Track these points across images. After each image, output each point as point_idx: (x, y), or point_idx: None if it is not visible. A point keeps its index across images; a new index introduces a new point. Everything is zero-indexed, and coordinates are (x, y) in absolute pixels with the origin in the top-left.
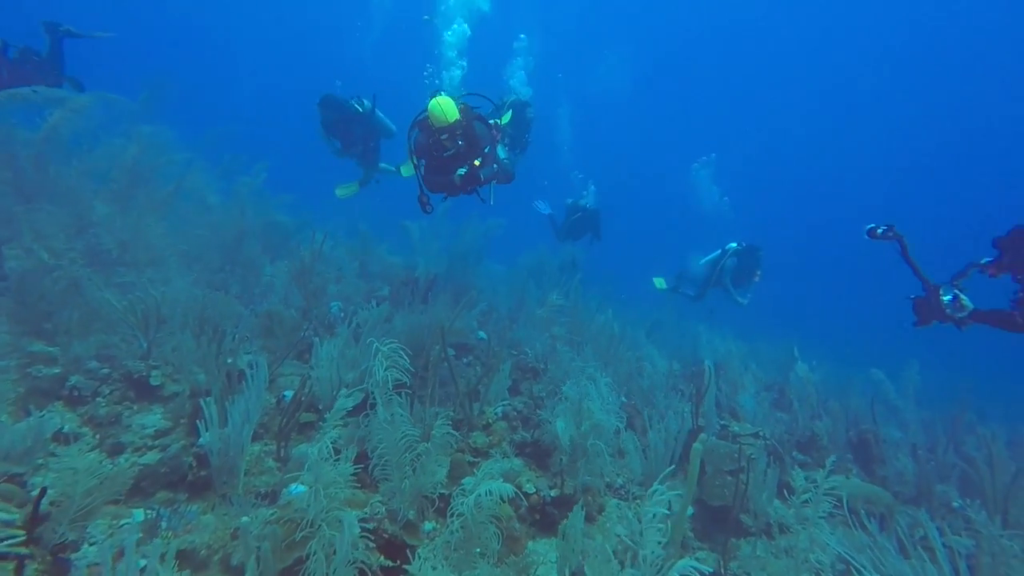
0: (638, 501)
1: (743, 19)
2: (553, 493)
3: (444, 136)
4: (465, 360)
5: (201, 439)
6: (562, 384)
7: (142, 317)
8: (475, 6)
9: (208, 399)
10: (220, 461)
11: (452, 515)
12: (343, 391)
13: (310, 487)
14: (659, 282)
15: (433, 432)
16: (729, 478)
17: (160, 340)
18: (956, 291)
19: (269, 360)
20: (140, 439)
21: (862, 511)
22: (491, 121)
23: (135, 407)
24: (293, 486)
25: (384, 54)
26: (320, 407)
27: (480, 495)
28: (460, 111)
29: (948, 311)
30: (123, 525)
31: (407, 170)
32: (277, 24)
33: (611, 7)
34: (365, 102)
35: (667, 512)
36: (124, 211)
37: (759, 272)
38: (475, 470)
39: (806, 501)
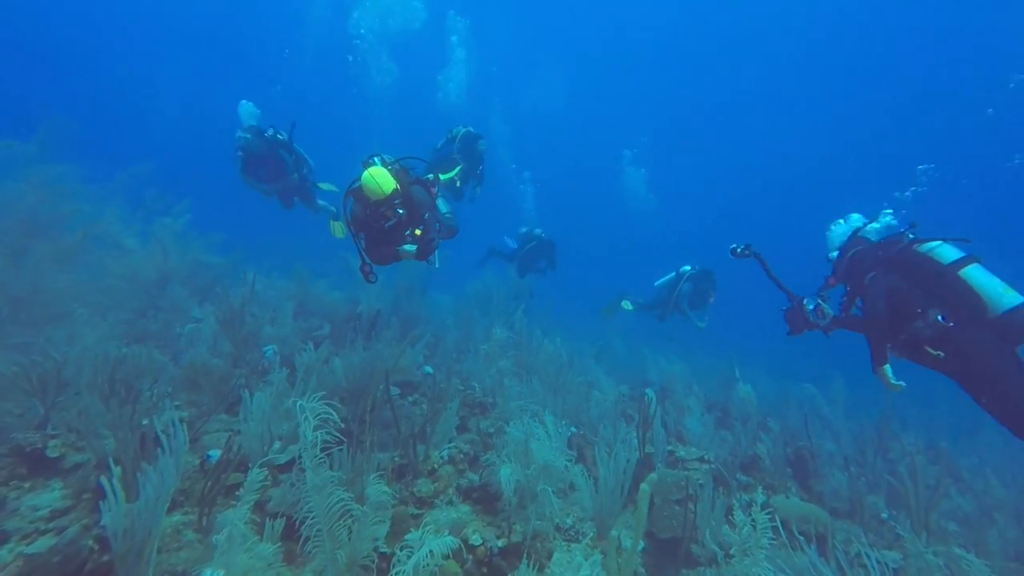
0: (588, 541)
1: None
2: (501, 543)
3: (383, 208)
4: (410, 399)
5: (104, 518)
6: (508, 422)
7: (38, 381)
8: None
9: (109, 471)
10: (126, 543)
11: None
12: (275, 445)
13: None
14: (626, 304)
15: (367, 493)
16: (677, 508)
17: (62, 404)
18: (819, 301)
19: (193, 416)
20: (30, 523)
21: (800, 531)
22: (428, 177)
23: (26, 485)
24: (207, 571)
25: (310, 77)
26: (250, 465)
27: (420, 559)
28: (396, 177)
29: (812, 319)
30: None
31: (339, 230)
32: (195, 46)
33: (545, 20)
34: (280, 133)
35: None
36: (17, 264)
37: (714, 294)
38: (420, 522)
39: (750, 527)
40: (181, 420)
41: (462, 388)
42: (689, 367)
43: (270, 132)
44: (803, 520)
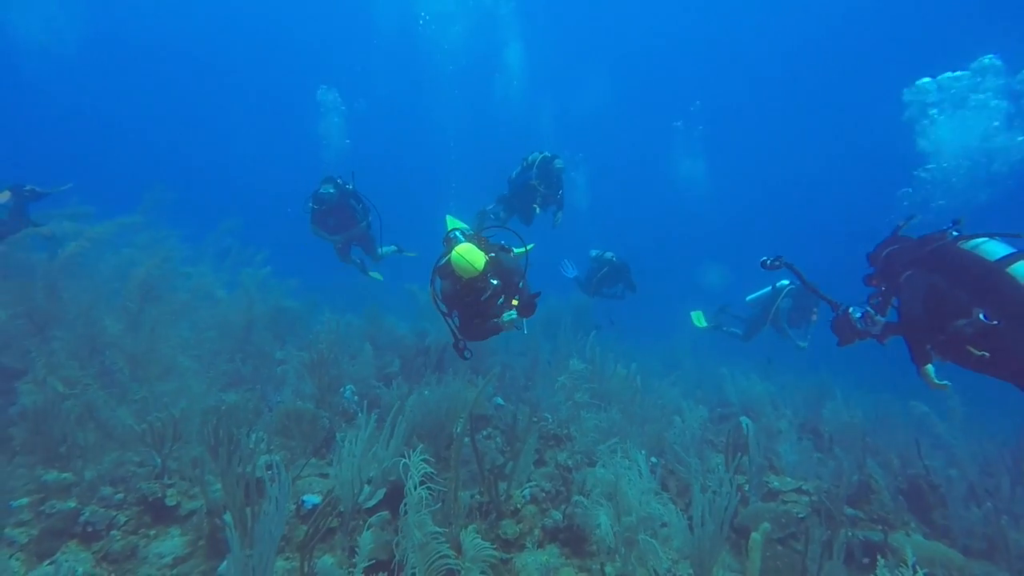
0: None
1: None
2: None
3: (477, 283)
4: (484, 433)
5: (220, 568)
6: (592, 456)
7: (157, 434)
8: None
9: (222, 518)
10: None
11: None
12: (366, 490)
13: None
14: (697, 318)
15: (464, 543)
16: (780, 547)
17: (175, 453)
18: (867, 308)
19: (286, 461)
20: (158, 571)
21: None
22: (513, 250)
23: (152, 533)
24: None
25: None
26: (341, 509)
27: None
28: (484, 251)
29: (861, 327)
30: None
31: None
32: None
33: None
34: (348, 183)
35: None
36: (135, 327)
37: (816, 311)
38: (510, 567)
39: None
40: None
41: (535, 419)
42: (774, 386)
43: (340, 181)
44: (929, 562)
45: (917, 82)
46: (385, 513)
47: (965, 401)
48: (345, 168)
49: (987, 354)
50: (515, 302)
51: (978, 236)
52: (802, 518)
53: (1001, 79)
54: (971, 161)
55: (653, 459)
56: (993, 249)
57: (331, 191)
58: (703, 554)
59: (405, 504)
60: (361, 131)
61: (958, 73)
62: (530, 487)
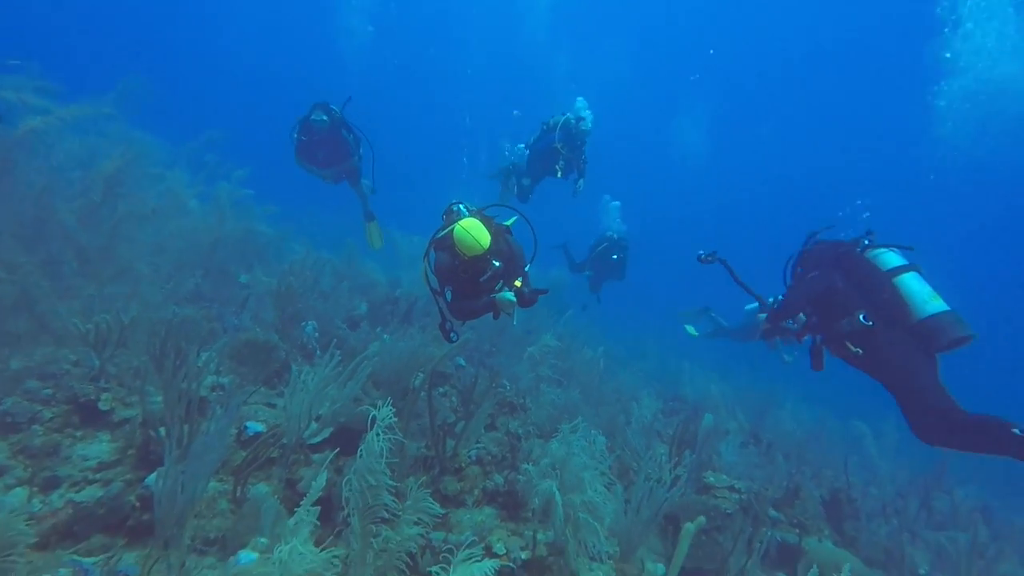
0: (611, 561)
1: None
2: (524, 555)
3: (478, 262)
4: (441, 390)
5: (148, 479)
6: (544, 429)
7: (101, 336)
8: None
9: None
10: (167, 507)
11: None
12: (312, 426)
13: (262, 554)
14: (691, 331)
15: (407, 505)
16: (704, 538)
17: (116, 359)
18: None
19: (235, 386)
20: (80, 472)
21: None
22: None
23: (78, 434)
24: (243, 553)
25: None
26: (285, 442)
27: None
28: (491, 231)
29: (804, 337)
30: None
31: (377, 240)
32: (272, 22)
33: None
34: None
35: None
36: (94, 222)
37: None
38: (445, 521)
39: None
40: (218, 388)
41: (495, 386)
42: (729, 387)
43: (334, 109)
44: (834, 567)
45: None
46: (329, 452)
47: (899, 427)
48: (340, 93)
49: (860, 351)
50: (518, 283)
51: (881, 247)
52: (729, 514)
53: None
54: None
55: (603, 439)
56: (889, 260)
57: (324, 119)
58: (632, 536)
59: (361, 449)
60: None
61: None
62: (477, 448)
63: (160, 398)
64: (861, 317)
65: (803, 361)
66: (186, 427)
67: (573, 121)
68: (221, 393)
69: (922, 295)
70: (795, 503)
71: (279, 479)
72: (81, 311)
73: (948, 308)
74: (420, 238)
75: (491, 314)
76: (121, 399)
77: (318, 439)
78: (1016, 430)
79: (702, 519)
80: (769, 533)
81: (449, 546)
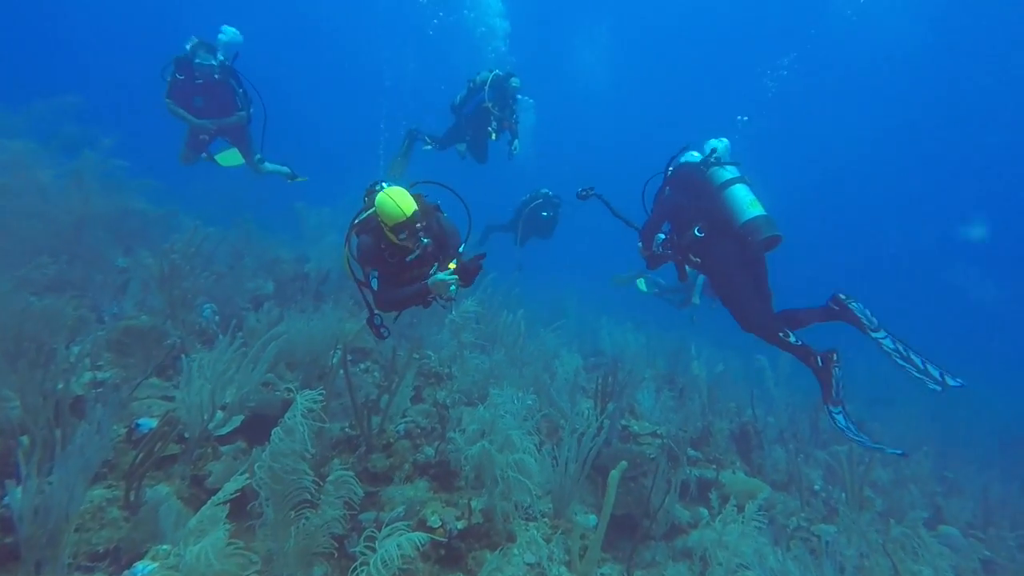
0: (546, 519)
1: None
2: (460, 525)
3: (403, 235)
4: (362, 366)
5: (6, 498)
6: (471, 395)
7: None
8: None
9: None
10: (35, 526)
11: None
12: (218, 416)
13: (163, 563)
14: (641, 284)
15: (328, 481)
16: (632, 484)
17: None
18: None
19: (120, 380)
20: None
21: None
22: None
23: None
24: (140, 564)
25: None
26: (187, 436)
27: (384, 556)
28: (417, 201)
29: (659, 250)
30: None
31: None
32: None
33: None
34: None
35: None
36: None
37: None
38: (375, 500)
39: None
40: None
41: (417, 357)
42: (644, 338)
43: (222, 57)
44: (749, 495)
45: None
46: (241, 442)
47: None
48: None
49: (699, 260)
50: (452, 266)
51: (719, 164)
52: (652, 458)
53: None
54: None
55: (529, 400)
56: (722, 175)
57: (212, 63)
58: (564, 492)
59: (273, 431)
60: None
61: None
62: (405, 423)
63: (19, 403)
64: (696, 230)
65: (706, 308)
66: (58, 432)
67: (503, 76)
68: (102, 390)
69: (744, 202)
70: (710, 441)
71: (182, 477)
72: None
73: (764, 212)
74: (329, 209)
75: (422, 305)
76: None
77: (227, 429)
78: (780, 334)
79: (623, 464)
80: (688, 471)
81: (381, 524)
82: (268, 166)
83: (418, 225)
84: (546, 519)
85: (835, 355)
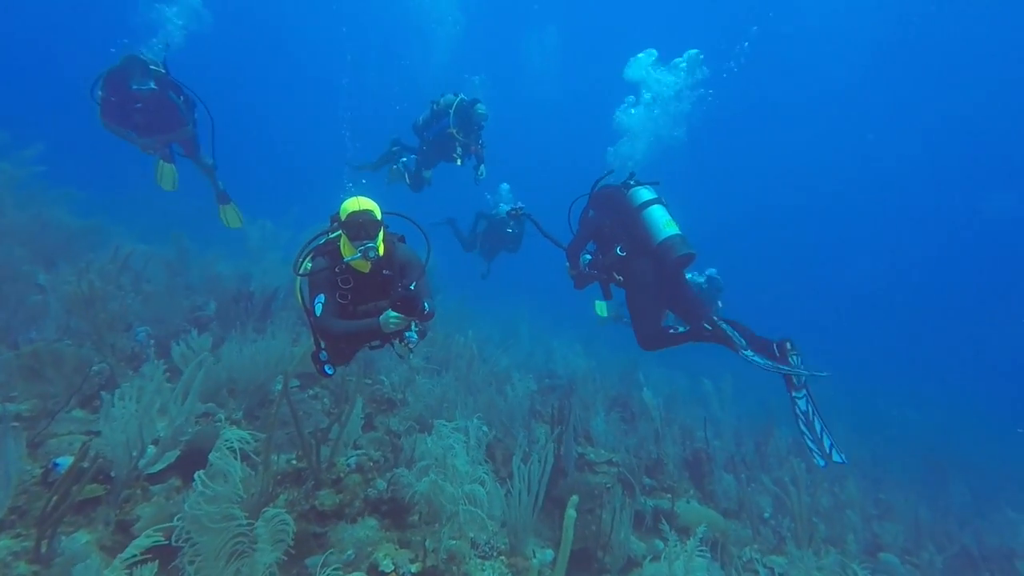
0: (502, 558)
1: None
2: (414, 569)
3: (359, 244)
4: (311, 391)
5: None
6: (424, 422)
7: None
8: None
9: None
10: None
11: None
12: (149, 451)
13: None
14: (600, 308)
15: (257, 527)
16: (588, 516)
17: None
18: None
19: (36, 412)
20: None
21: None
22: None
23: None
24: None
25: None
26: (113, 474)
27: None
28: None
29: (587, 270)
30: None
31: (234, 220)
32: None
33: None
34: (156, 67)
35: None
36: None
37: (721, 296)
38: (322, 542)
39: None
40: (15, 417)
41: (369, 382)
42: (594, 362)
43: (155, 67)
44: (707, 524)
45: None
46: (175, 480)
47: (735, 381)
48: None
49: (621, 278)
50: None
51: (639, 184)
52: (609, 487)
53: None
54: None
55: (484, 428)
56: (641, 196)
57: (151, 87)
58: (518, 524)
59: (196, 475)
60: None
61: None
62: (356, 455)
63: None
64: (618, 249)
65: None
66: None
67: (468, 103)
68: (16, 424)
69: (660, 223)
70: (663, 468)
71: (105, 523)
72: None
73: (679, 232)
74: (272, 223)
75: (375, 343)
76: None
77: (159, 466)
78: (671, 331)
79: (575, 498)
80: (644, 501)
81: (328, 569)
82: (220, 184)
83: (374, 242)
84: (502, 557)
85: (716, 318)
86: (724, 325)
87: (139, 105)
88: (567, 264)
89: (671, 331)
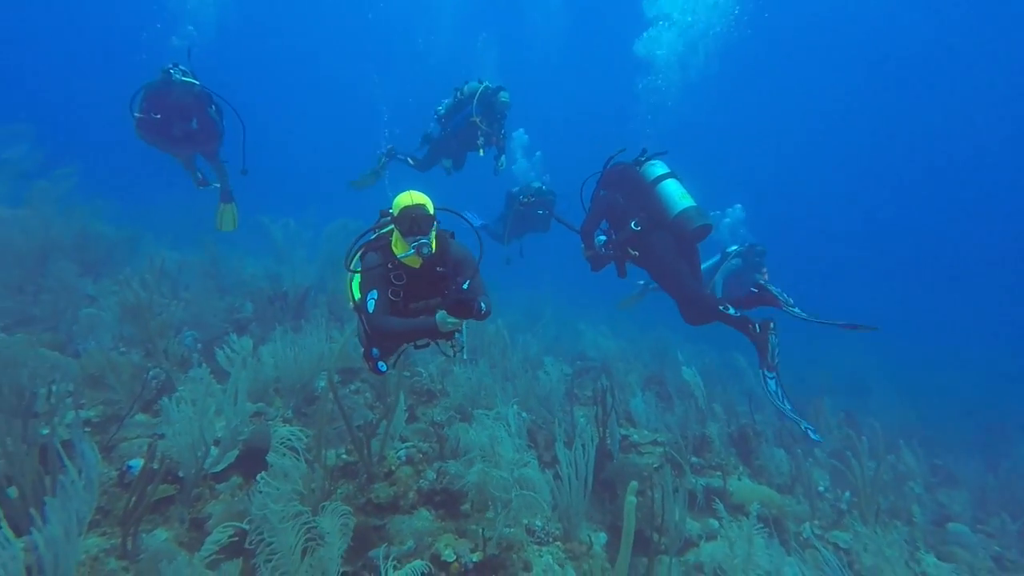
0: (558, 543)
1: None
2: (475, 558)
3: (412, 240)
4: (352, 387)
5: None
6: (465, 411)
7: None
8: None
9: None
10: None
11: None
12: (213, 452)
13: None
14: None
15: (321, 521)
16: (640, 498)
17: None
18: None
19: (105, 419)
20: None
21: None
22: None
23: None
24: None
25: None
26: (181, 474)
27: None
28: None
29: (603, 251)
30: None
31: (228, 221)
32: None
33: None
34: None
35: None
36: None
37: (765, 270)
38: (383, 534)
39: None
40: (86, 423)
41: (408, 374)
42: (624, 342)
43: (196, 81)
44: (761, 502)
45: None
46: (236, 478)
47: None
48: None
49: (637, 253)
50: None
51: (650, 159)
52: (657, 468)
53: None
54: None
55: (523, 414)
56: (654, 170)
57: (190, 101)
58: (570, 509)
59: (259, 477)
60: None
61: None
62: (405, 447)
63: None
64: (632, 224)
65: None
66: (48, 479)
67: (492, 90)
68: (89, 430)
69: (675, 195)
70: (710, 446)
71: (180, 520)
72: None
73: (694, 204)
74: (294, 221)
75: (421, 342)
76: None
77: (222, 465)
78: (721, 307)
79: (634, 484)
80: (694, 480)
81: (392, 561)
82: (229, 183)
83: (434, 225)
84: (558, 543)
85: (772, 323)
86: (773, 337)
87: (180, 122)
88: (582, 246)
89: (722, 307)
